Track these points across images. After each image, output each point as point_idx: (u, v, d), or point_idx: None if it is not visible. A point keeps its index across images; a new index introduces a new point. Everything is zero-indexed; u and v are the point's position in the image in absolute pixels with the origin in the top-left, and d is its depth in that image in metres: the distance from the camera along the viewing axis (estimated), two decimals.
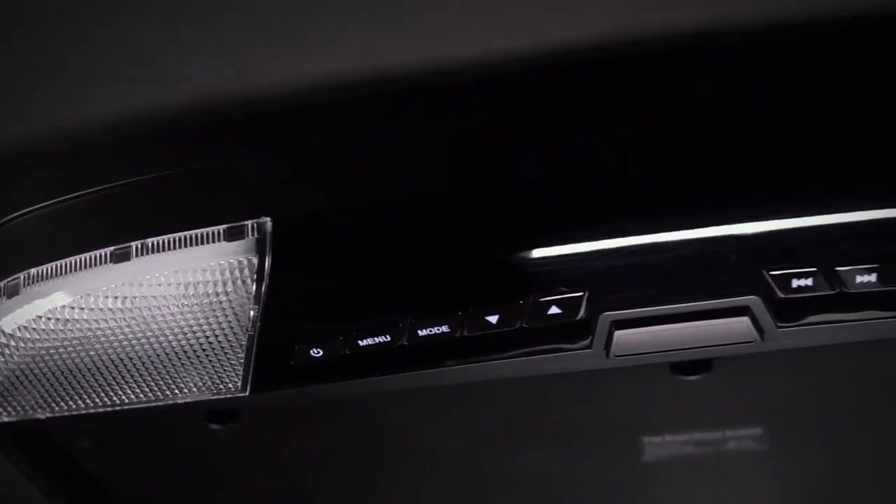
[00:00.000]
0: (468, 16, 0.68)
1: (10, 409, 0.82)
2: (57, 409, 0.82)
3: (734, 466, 1.01)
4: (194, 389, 0.79)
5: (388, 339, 0.73)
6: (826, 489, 1.05)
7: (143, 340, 0.76)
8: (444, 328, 0.73)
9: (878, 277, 0.69)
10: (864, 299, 0.71)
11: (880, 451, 1.00)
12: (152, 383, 0.79)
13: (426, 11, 0.67)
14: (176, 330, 0.75)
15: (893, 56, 0.72)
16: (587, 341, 0.73)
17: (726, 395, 0.90)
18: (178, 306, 0.74)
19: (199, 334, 0.76)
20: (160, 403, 0.81)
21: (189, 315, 0.75)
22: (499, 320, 0.72)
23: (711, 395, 0.90)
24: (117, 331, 0.76)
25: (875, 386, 0.91)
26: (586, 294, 0.71)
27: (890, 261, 0.69)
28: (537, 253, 0.70)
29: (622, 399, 0.92)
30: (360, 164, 0.75)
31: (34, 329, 0.75)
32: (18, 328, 0.75)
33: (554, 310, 0.71)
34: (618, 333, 0.72)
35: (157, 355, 0.77)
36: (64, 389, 0.80)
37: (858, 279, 0.69)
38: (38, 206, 0.77)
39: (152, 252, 0.73)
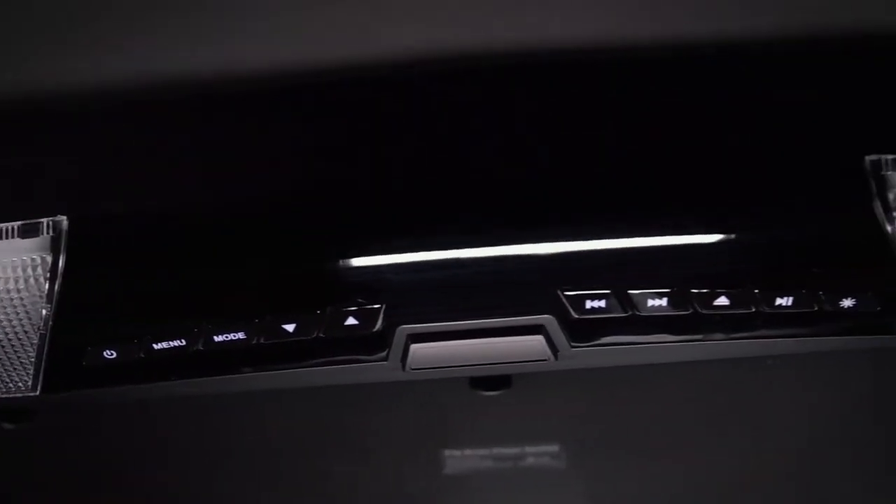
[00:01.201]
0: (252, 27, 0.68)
1: None
2: None
3: (533, 482, 1.02)
4: None
5: (184, 343, 0.73)
6: None
7: None
8: (241, 335, 0.72)
9: (669, 302, 0.71)
10: (655, 323, 0.72)
11: (674, 469, 1.02)
12: None
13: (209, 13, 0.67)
14: None
15: (689, 90, 0.74)
16: (384, 353, 0.73)
17: (525, 411, 0.92)
18: None
19: None
20: None
21: None
22: (296, 329, 0.72)
23: (510, 411, 0.91)
24: None
25: (666, 405, 0.93)
26: (384, 306, 0.71)
27: (680, 286, 0.70)
28: (336, 263, 0.70)
29: (424, 411, 0.93)
30: (160, 167, 0.74)
31: None
32: None
33: (351, 321, 0.71)
34: (414, 347, 0.73)
35: None
36: None
37: (650, 303, 0.71)
38: None
39: None
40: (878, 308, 0.72)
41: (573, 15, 0.71)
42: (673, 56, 0.73)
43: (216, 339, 0.72)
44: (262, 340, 0.72)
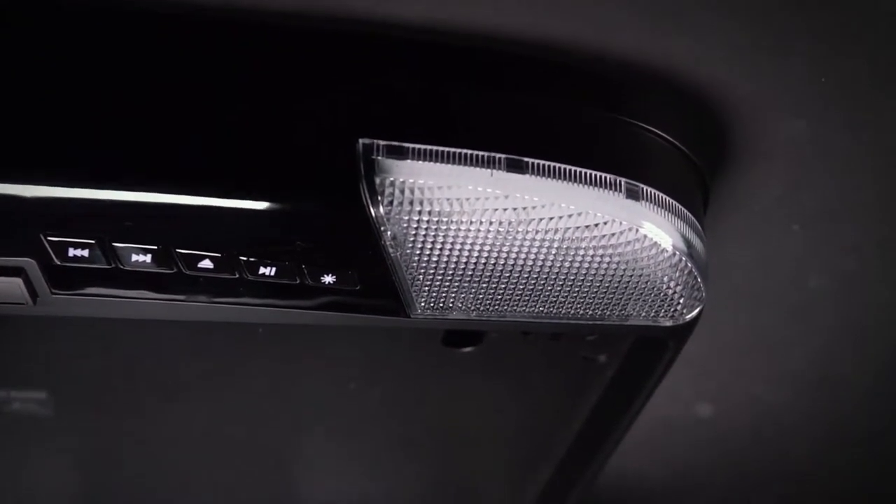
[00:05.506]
0: None
1: None
2: None
3: (20, 428, 1.01)
4: None
5: None
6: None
7: None
8: None
9: (153, 259, 0.71)
10: (138, 278, 0.72)
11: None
12: None
13: None
14: None
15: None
16: None
17: (12, 354, 0.90)
18: None
19: None
20: None
21: None
22: None
23: None
24: None
25: (162, 358, 0.95)
26: None
27: (165, 244, 0.71)
28: None
29: None
30: None
31: None
32: None
33: None
34: None
35: None
36: None
37: (134, 258, 0.71)
38: None
39: None
40: (358, 287, 0.75)
41: None
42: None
43: None
44: None
